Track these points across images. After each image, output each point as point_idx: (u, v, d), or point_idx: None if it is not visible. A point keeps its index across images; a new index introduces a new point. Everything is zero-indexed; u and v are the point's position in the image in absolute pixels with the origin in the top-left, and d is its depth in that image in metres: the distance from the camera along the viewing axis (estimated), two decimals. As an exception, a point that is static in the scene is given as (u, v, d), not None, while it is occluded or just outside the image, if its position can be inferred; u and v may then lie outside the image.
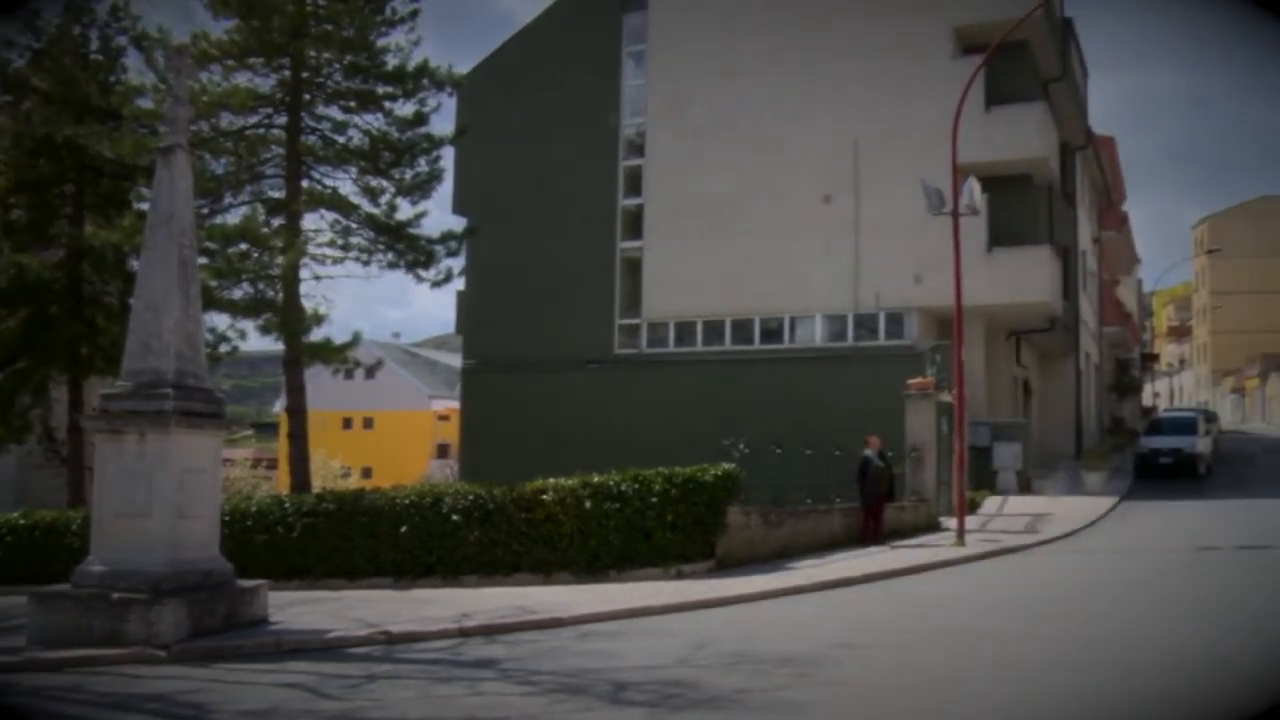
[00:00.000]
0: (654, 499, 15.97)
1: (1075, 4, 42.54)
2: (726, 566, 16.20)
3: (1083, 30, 55.60)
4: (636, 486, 16.13)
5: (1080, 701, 7.57)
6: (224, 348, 23.86)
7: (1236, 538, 18.69)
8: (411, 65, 24.37)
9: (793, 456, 22.90)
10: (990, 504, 25.52)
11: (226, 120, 23.96)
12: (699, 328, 32.37)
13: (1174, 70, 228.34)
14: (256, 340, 24.76)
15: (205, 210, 23.01)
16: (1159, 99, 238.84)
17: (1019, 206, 29.96)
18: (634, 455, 18.27)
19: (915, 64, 30.00)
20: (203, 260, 19.41)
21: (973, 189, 20.97)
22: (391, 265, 25.30)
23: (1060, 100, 33.79)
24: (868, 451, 20.67)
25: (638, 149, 34.10)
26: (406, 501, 17.08)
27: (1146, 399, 72.41)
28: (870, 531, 20.01)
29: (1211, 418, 49.42)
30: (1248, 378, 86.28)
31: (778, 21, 31.95)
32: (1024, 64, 30.40)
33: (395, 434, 66.70)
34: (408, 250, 25.09)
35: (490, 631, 11.81)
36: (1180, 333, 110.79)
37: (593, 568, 15.98)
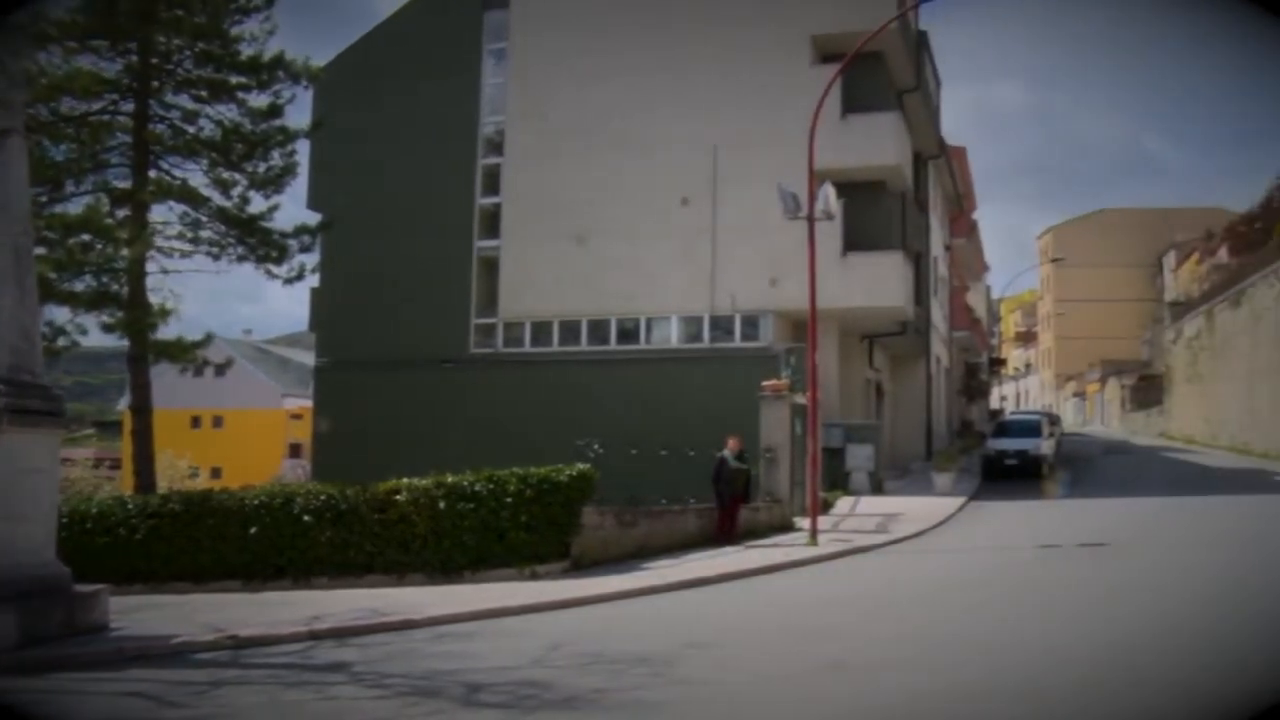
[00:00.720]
0: (508, 499, 15.98)
1: (930, 17, 43.67)
2: (581, 567, 16.27)
3: (936, 43, 57.44)
4: (491, 487, 16.12)
5: (924, 701, 7.77)
6: (63, 342, 23.03)
7: (1076, 536, 19.40)
8: (266, 55, 23.91)
9: (648, 457, 23.15)
10: (843, 504, 26.03)
11: (68, 105, 23.14)
12: (555, 328, 32.36)
13: (1022, 85, 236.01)
14: (101, 336, 24.00)
15: (44, 198, 22.17)
16: (1008, 112, 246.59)
17: (873, 212, 30.68)
18: (490, 455, 18.21)
19: (774, 71, 30.47)
20: (41, 251, 18.75)
21: (828, 194, 21.36)
22: (242, 260, 24.78)
23: (914, 110, 34.72)
24: (724, 452, 20.94)
25: (496, 148, 33.92)
26: (256, 502, 16.74)
27: (994, 402, 74.80)
28: (725, 531, 20.28)
29: (1055, 420, 51.30)
30: (1089, 382, 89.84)
31: (640, 24, 32.14)
32: (880, 74, 31.13)
33: (246, 433, 65.24)
34: (260, 245, 24.60)
35: (342, 634, 11.66)
36: (1026, 338, 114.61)
37: (447, 569, 15.91)
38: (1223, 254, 57.30)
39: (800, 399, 23.81)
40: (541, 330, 32.58)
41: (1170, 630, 10.20)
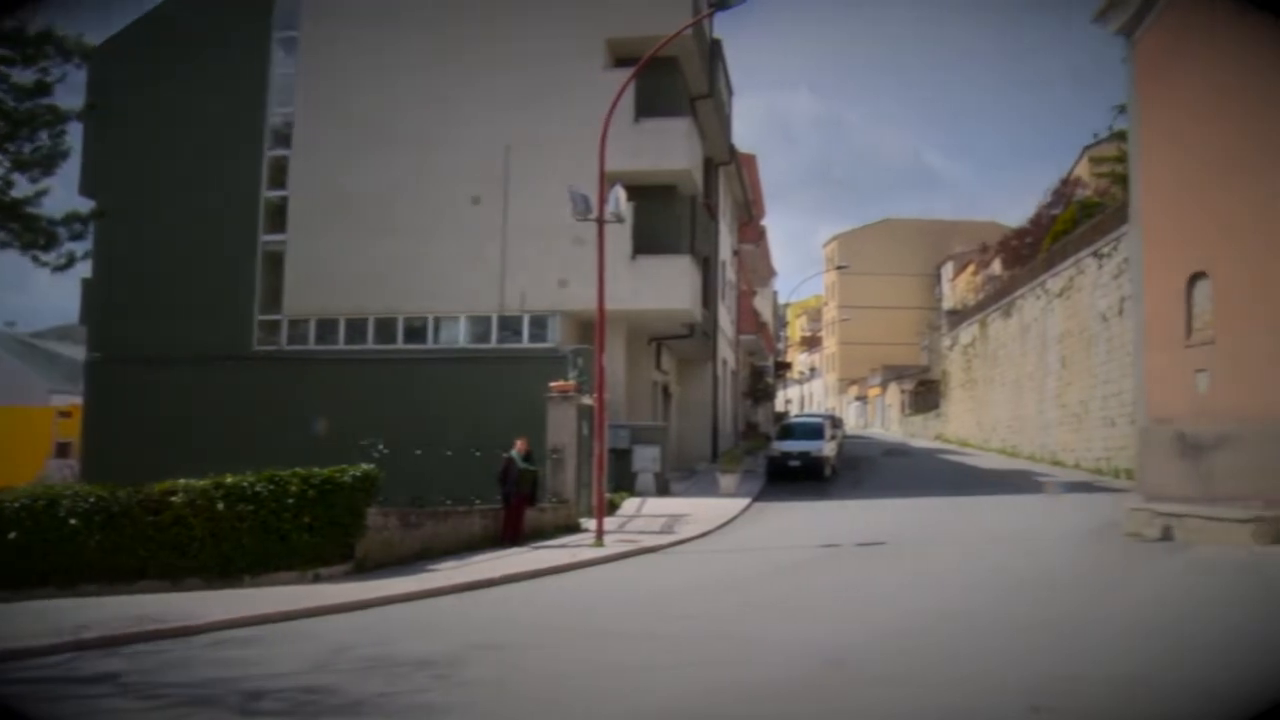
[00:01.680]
0: (290, 500, 15.78)
1: (724, 26, 44.71)
2: (365, 569, 16.21)
3: (730, 52, 58.75)
4: (272, 488, 15.88)
5: (705, 699, 8.00)
6: None
7: (856, 535, 20.24)
8: (32, 29, 22.83)
9: (434, 458, 23.07)
10: (629, 505, 26.45)
11: None
12: (341, 326, 31.91)
13: (811, 96, 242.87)
14: None
15: None
16: (797, 122, 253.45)
17: (664, 216, 31.24)
18: (273, 455, 17.88)
19: (569, 72, 30.72)
20: None
21: (619, 197, 21.70)
22: (4, 245, 23.61)
23: (707, 117, 35.52)
24: (512, 452, 21.09)
25: (285, 139, 33.20)
26: (16, 505, 15.98)
27: (780, 404, 76.78)
28: (511, 532, 20.42)
29: (837, 423, 53.08)
30: (870, 386, 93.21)
31: (436, 19, 31.91)
32: (674, 80, 31.73)
33: (7, 432, 61.76)
34: (25, 230, 23.43)
35: (111, 643, 11.16)
36: (811, 343, 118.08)
37: (226, 572, 15.60)
38: (996, 266, 60.20)
39: (587, 400, 24.10)
40: (327, 328, 32.05)
41: (946, 620, 10.82)
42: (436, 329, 31.66)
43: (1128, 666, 8.28)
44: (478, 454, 21.83)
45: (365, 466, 16.73)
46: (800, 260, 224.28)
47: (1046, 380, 41.95)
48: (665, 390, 37.16)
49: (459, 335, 31.51)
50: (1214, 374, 18.16)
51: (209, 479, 16.06)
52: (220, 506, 15.70)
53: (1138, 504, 19.63)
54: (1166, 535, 17.91)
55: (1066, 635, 9.73)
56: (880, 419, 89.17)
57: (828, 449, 36.25)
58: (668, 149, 30.99)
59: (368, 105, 31.56)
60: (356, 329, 31.85)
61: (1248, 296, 17.35)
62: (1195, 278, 18.69)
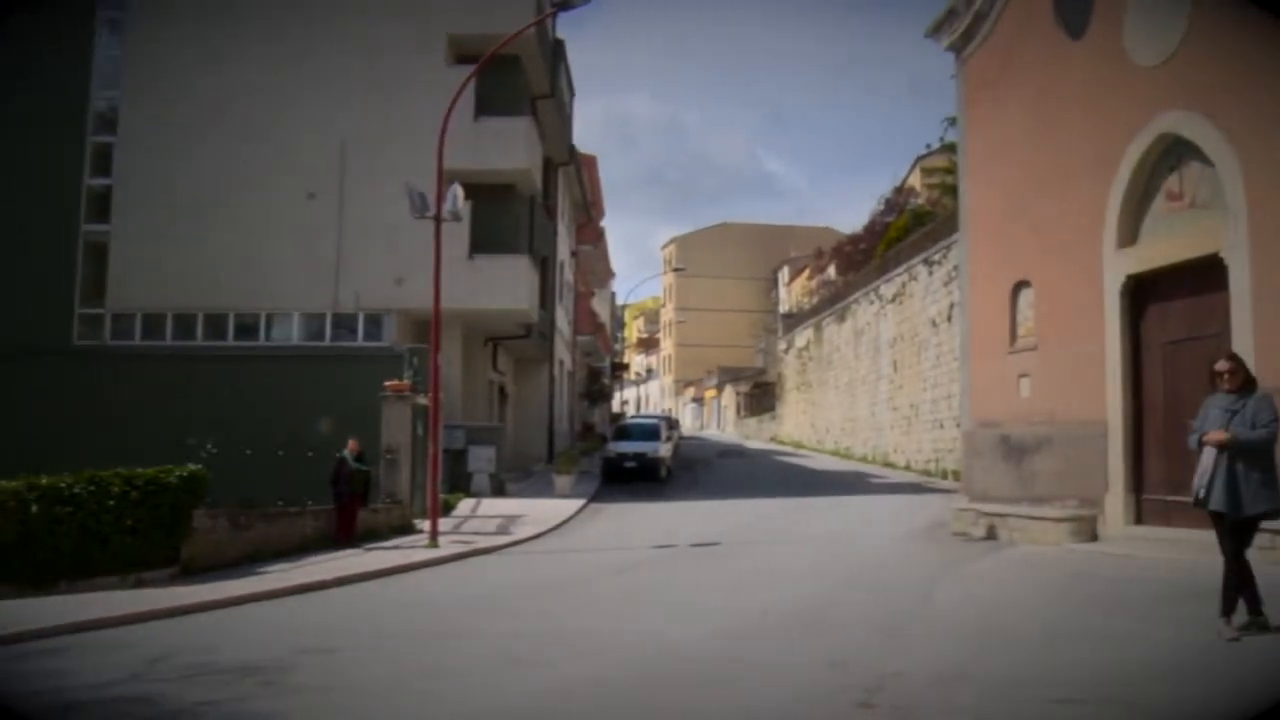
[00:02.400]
0: (111, 502, 15.22)
1: (567, 27, 44.79)
2: (192, 572, 15.81)
3: (572, 52, 58.94)
4: (92, 489, 15.27)
5: (540, 699, 8.02)
6: None
7: (691, 536, 20.53)
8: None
9: (265, 458, 22.64)
10: (465, 506, 26.35)
11: None
12: (169, 321, 30.95)
13: (653, 99, 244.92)
14: None
15: None
16: (638, 124, 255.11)
17: (502, 216, 31.16)
18: (94, 455, 17.30)
19: (409, 67, 30.33)
20: None
21: (457, 195, 21.59)
22: None
23: (547, 117, 35.57)
24: (344, 453, 20.86)
25: (110, 125, 32.00)
26: None
27: (616, 405, 77.21)
28: (344, 534, 20.17)
29: (674, 424, 53.66)
30: (707, 388, 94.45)
31: (272, 7, 31.22)
32: (515, 79, 31.65)
33: None
34: None
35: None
36: (649, 344, 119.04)
37: (40, 579, 14.93)
38: (831, 271, 61.63)
39: (423, 400, 23.93)
40: (154, 323, 30.98)
41: (778, 619, 11.07)
42: (269, 326, 30.95)
43: (953, 660, 8.62)
44: (311, 454, 21.50)
45: (192, 467, 16.29)
46: (638, 262, 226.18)
47: (879, 384, 43.16)
48: (502, 390, 37.11)
49: (292, 333, 30.84)
50: (1035, 380, 18.98)
51: (20, 479, 15.35)
52: (34, 509, 15.00)
53: (964, 504, 20.39)
54: (991, 534, 18.69)
55: (895, 632, 10.05)
56: (716, 420, 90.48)
57: (664, 450, 36.63)
58: (508, 148, 30.93)
59: (199, 92, 30.54)
60: (185, 324, 30.85)
61: (1064, 306, 18.21)
62: (1019, 286, 19.50)
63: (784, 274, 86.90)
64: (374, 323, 30.47)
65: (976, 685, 7.73)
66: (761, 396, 75.00)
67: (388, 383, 24.77)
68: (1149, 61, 16.16)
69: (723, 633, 10.41)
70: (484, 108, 30.17)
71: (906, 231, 44.17)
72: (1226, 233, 14.58)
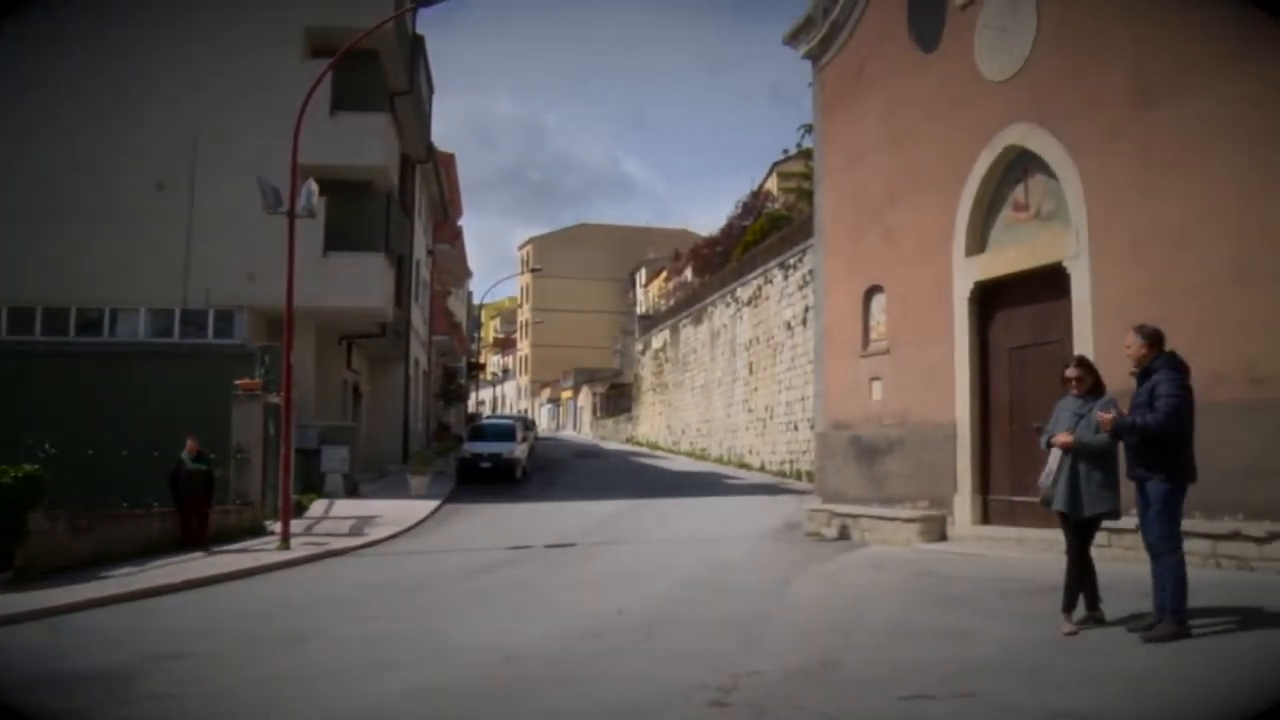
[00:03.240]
0: (-58, 505, 14.70)
1: (427, 23, 44.39)
2: (29, 577, 15.21)
3: (432, 48, 58.31)
4: (-80, 491, 14.74)
5: (394, 701, 7.97)
6: None
7: (546, 537, 20.58)
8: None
9: (110, 458, 21.98)
10: (318, 507, 25.92)
11: None
12: (4, 315, 29.70)
13: (513, 98, 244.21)
14: None
15: None
16: (498, 123, 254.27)
17: (358, 213, 30.74)
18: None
19: (265, 58, 29.64)
20: None
21: (311, 191, 21.26)
22: None
23: (406, 113, 35.20)
24: (182, 454, 20.38)
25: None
26: None
27: (472, 406, 76.80)
28: (192, 536, 19.70)
29: (529, 425, 53.65)
30: (563, 389, 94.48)
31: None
32: (373, 74, 31.25)
33: None
34: None
35: None
36: (506, 344, 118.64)
37: None
38: (688, 273, 62.22)
39: (275, 399, 23.54)
40: (-13, 317, 29.73)
41: (632, 618, 11.14)
42: (113, 322, 29.92)
43: (806, 658, 8.80)
44: (156, 454, 20.92)
45: (29, 467, 15.72)
46: (496, 262, 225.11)
47: (735, 386, 43.71)
48: (356, 390, 36.63)
49: (139, 329, 29.87)
50: (887, 383, 19.45)
51: None
52: None
53: (817, 505, 20.78)
54: (844, 535, 19.10)
55: (749, 631, 10.21)
56: (573, 421, 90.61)
57: (519, 451, 36.61)
58: (365, 144, 30.53)
59: (41, 75, 29.36)
60: (22, 319, 29.61)
61: (916, 311, 18.71)
62: (871, 291, 19.95)
63: (641, 275, 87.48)
64: (225, 319, 29.69)
65: (828, 683, 7.91)
66: (618, 398, 75.29)
67: (239, 381, 24.29)
68: (998, 76, 16.70)
69: (578, 633, 10.45)
70: (341, 103, 29.72)
71: (763, 235, 44.81)
72: (1069, 243, 15.15)
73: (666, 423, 56.94)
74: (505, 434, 37.36)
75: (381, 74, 31.94)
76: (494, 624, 11.40)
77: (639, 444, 61.18)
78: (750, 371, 41.48)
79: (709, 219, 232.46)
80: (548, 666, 8.94)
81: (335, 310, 30.17)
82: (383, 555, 19.23)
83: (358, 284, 30.04)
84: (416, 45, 37.11)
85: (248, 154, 27.49)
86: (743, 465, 41.13)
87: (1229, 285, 12.70)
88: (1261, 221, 12.44)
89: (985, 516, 16.98)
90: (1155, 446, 8.54)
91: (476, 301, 74.55)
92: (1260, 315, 12.34)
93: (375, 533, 21.70)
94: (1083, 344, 14.35)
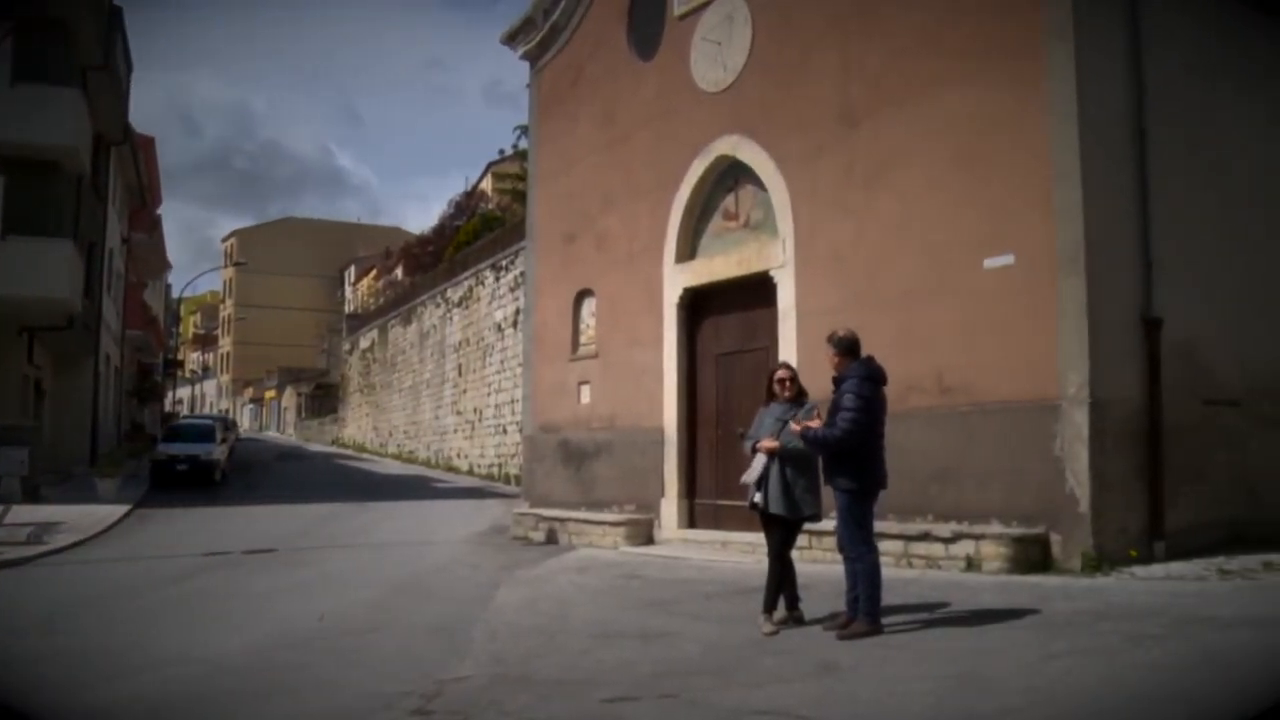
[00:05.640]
0: None
1: (124, -6, 42.06)
2: None
3: (132, 23, 55.19)
4: None
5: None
6: None
7: (246, 542, 19.82)
8: None
9: None
10: (-9, 513, 24.20)
11: None
12: None
13: (217, 80, 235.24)
14: None
15: None
16: (201, 105, 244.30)
17: (44, 195, 28.74)
18: None
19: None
20: None
21: (-9, 170, 19.90)
22: None
23: (100, 90, 33.19)
24: None
25: None
26: None
27: (169, 405, 73.53)
28: None
29: (230, 425, 51.72)
30: (267, 389, 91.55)
31: None
32: (63, 45, 29.33)
33: None
34: None
35: None
36: (206, 341, 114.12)
37: None
38: (399, 272, 61.44)
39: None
40: None
41: (335, 626, 10.84)
42: None
43: (511, 663, 8.76)
44: None
45: None
46: (198, 254, 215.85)
47: (444, 387, 43.37)
48: (38, 386, 34.33)
49: None
50: (595, 386, 19.66)
51: None
52: None
53: (525, 509, 20.80)
54: (552, 538, 19.14)
55: (455, 637, 10.09)
56: (277, 422, 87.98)
57: (218, 452, 35.22)
58: (52, 121, 28.57)
59: None
60: None
61: (625, 316, 18.99)
62: (582, 295, 20.14)
63: (351, 273, 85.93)
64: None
65: (533, 687, 7.90)
66: (324, 398, 73.65)
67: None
68: (712, 88, 17.17)
69: (279, 642, 10.09)
70: (23, 73, 27.76)
71: (476, 236, 44.73)
72: (776, 253, 15.70)
73: (374, 424, 56.02)
74: (204, 434, 35.86)
75: (72, 45, 29.98)
76: (191, 635, 10.85)
77: (345, 446, 60.04)
78: (460, 373, 41.24)
79: (422, 218, 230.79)
80: (247, 678, 8.63)
81: (15, 299, 28.13)
82: (66, 565, 18.02)
83: (42, 272, 28.07)
84: (114, 17, 35.07)
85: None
86: (451, 468, 40.85)
87: (920, 299, 13.44)
88: (944, 239, 13.23)
89: (691, 520, 17.39)
90: (843, 455, 8.89)
91: (176, 295, 71.42)
92: (944, 327, 13.11)
93: (58, 540, 20.32)
94: (787, 351, 14.90)
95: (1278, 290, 14.54)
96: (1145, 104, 12.65)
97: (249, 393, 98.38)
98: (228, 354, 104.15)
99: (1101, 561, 11.47)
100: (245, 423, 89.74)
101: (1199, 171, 13.56)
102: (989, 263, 12.67)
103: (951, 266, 13.11)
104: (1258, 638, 8.28)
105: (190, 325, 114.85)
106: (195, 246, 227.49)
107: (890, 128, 14.16)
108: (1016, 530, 11.99)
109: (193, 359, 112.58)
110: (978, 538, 12.03)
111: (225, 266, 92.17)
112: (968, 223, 12.95)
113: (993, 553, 11.83)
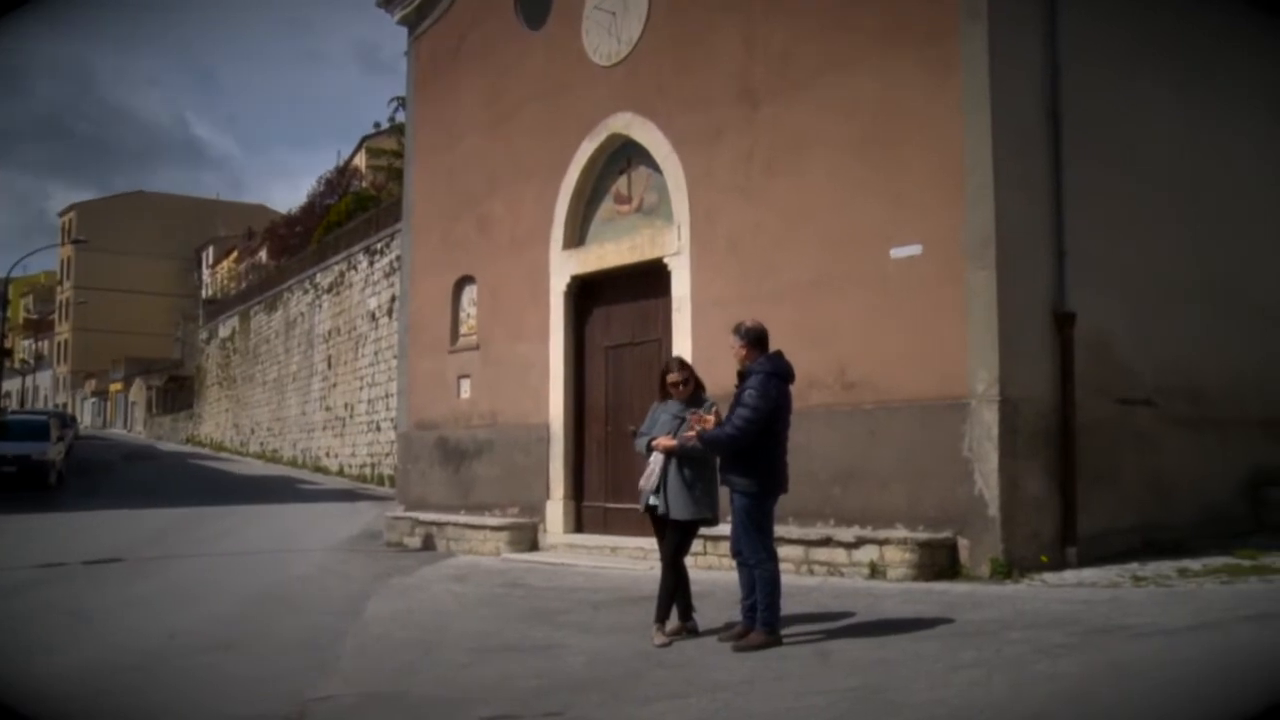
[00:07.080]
0: None
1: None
2: None
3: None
4: None
5: None
6: None
7: (86, 552, 19.34)
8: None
9: None
10: None
11: None
12: None
13: (53, 33, 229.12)
14: None
15: None
16: (30, 60, 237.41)
17: None
18: None
19: None
20: None
21: None
22: None
23: (-79, 48, 32.31)
24: None
25: None
26: None
27: (-1, 399, 71.69)
28: None
29: (68, 422, 50.68)
30: (112, 381, 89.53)
31: None
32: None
33: None
34: None
35: None
36: (40, 327, 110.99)
37: None
38: (263, 255, 60.56)
39: None
40: None
41: (191, 643, 10.68)
42: None
43: (384, 680, 8.73)
44: None
45: None
46: (29, 229, 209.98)
47: (312, 381, 42.89)
48: None
49: None
50: (476, 380, 19.58)
51: None
52: None
53: (399, 513, 20.64)
54: (428, 544, 19.03)
55: (322, 651, 10.00)
56: (123, 418, 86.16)
57: (53, 452, 34.32)
58: None
59: None
60: None
61: (509, 305, 18.95)
62: (462, 282, 20.04)
63: (209, 255, 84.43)
64: None
65: (406, 705, 7.91)
66: (178, 392, 72.32)
67: None
68: (605, 61, 17.19)
69: (121, 663, 9.91)
70: None
71: (349, 216, 44.29)
72: (671, 240, 15.80)
73: (234, 421, 55.19)
74: (36, 432, 34.91)
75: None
76: (26, 655, 10.61)
77: (202, 445, 59.12)
78: (329, 365, 40.82)
79: (289, 195, 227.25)
80: (90, 702, 8.47)
81: None
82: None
83: None
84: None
85: None
86: (319, 469, 40.44)
87: (823, 290, 13.65)
88: (848, 228, 13.44)
89: (579, 524, 17.44)
90: (741, 454, 9.01)
91: (3, 275, 69.41)
92: (848, 320, 13.32)
93: None
94: (682, 343, 15.01)
95: (1193, 286, 15.01)
96: (1060, 89, 12.96)
97: (91, 386, 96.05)
98: (65, 342, 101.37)
99: (1012, 568, 11.75)
100: (86, 419, 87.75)
101: (1115, 160, 13.93)
102: (896, 252, 12.88)
103: (856, 256, 13.30)
104: (1171, 647, 8.57)
105: (20, 309, 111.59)
106: (27, 220, 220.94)
107: (794, 110, 14.33)
108: (923, 535, 12.20)
109: (23, 347, 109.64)
110: (882, 543, 12.24)
111: (63, 244, 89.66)
112: (874, 210, 13.15)
113: (898, 559, 12.05)
